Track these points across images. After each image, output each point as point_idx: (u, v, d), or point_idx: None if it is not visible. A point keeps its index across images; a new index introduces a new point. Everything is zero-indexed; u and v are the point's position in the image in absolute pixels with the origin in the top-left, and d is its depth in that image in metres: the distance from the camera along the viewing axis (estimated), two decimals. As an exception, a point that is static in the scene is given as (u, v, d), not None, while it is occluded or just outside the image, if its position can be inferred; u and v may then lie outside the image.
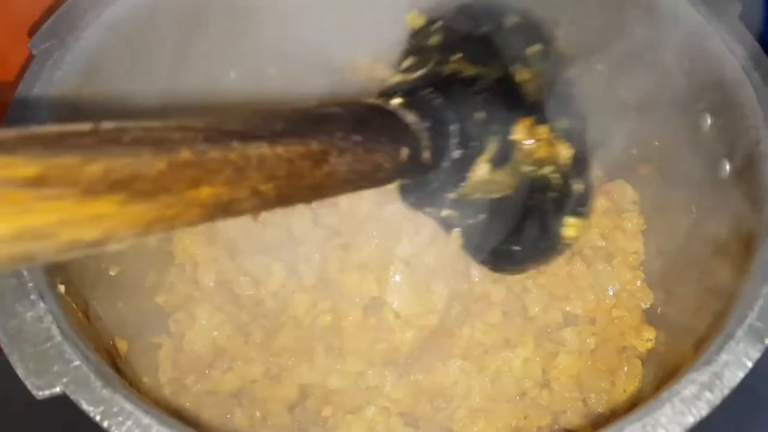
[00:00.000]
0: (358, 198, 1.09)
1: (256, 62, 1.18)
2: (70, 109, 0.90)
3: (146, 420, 0.65)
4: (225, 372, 1.05)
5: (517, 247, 0.87)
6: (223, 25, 1.08)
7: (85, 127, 0.46)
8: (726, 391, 0.64)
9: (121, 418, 0.64)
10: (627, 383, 1.05)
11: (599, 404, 1.04)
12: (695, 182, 0.95)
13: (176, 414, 0.97)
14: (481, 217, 0.83)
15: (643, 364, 1.06)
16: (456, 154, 0.74)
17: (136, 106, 1.01)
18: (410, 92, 0.73)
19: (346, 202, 1.11)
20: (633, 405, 1.02)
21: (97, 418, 0.64)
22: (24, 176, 0.39)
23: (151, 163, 0.45)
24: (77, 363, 0.67)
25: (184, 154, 0.47)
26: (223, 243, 1.15)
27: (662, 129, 1.03)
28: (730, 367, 0.65)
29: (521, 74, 0.81)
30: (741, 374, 0.65)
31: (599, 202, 1.13)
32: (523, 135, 0.79)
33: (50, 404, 0.67)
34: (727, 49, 0.87)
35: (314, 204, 0.64)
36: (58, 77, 0.89)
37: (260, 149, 0.51)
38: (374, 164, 0.62)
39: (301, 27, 1.17)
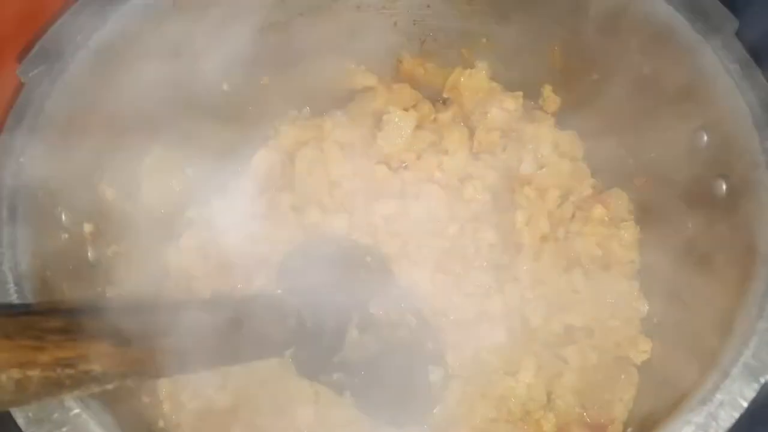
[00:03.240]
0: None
1: (247, 73, 1.17)
2: (62, 137, 0.89)
3: (146, 469, 0.65)
4: (219, 389, 1.06)
5: (396, 394, 1.05)
6: (212, 40, 1.06)
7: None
8: (721, 432, 0.65)
9: (121, 467, 0.65)
10: (623, 392, 1.06)
11: (601, 415, 1.05)
12: (692, 198, 0.95)
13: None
14: (364, 373, 1.03)
15: (639, 372, 1.07)
16: (330, 323, 1.00)
17: (126, 128, 1.00)
18: (291, 289, 1.05)
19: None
20: (631, 414, 1.06)
21: (98, 467, 0.65)
22: (56, 326, 0.62)
23: (130, 321, 0.70)
24: (77, 411, 0.68)
25: (148, 316, 0.75)
26: (217, 259, 1.16)
27: (659, 142, 1.02)
28: (725, 407, 0.66)
29: None
30: (736, 414, 0.65)
31: (596, 211, 1.13)
32: (376, 309, 1.05)
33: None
34: (723, 67, 0.86)
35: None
36: (49, 105, 0.88)
37: (196, 316, 0.79)
38: (273, 328, 0.92)
39: (292, 36, 1.16)
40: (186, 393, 1.08)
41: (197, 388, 1.09)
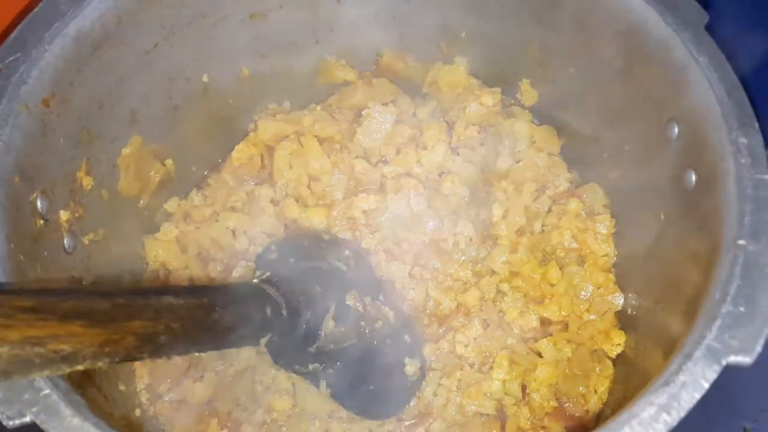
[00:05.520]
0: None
1: (228, 65, 1.17)
2: (38, 123, 0.89)
3: (115, 449, 0.66)
4: (197, 380, 1.06)
5: (372, 386, 1.06)
6: (193, 30, 1.07)
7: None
8: (683, 413, 0.66)
9: (90, 447, 0.65)
10: (598, 384, 1.07)
11: (575, 408, 1.06)
12: (664, 189, 0.96)
13: (152, 424, 1.01)
14: (340, 364, 1.04)
15: (614, 364, 1.08)
16: (307, 314, 1.00)
17: (104, 117, 1.00)
18: (269, 278, 1.02)
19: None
20: (605, 406, 1.06)
21: (68, 447, 0.65)
22: (26, 305, 0.62)
23: (101, 303, 0.69)
24: (47, 391, 0.68)
25: (120, 299, 0.72)
26: (195, 252, 1.16)
27: (632, 135, 1.03)
28: (687, 388, 0.67)
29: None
30: (698, 395, 0.66)
31: (572, 205, 1.15)
32: (353, 301, 1.06)
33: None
34: (693, 60, 0.87)
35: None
36: (25, 91, 0.88)
37: (169, 300, 0.77)
38: (248, 315, 0.91)
39: (272, 29, 1.17)
40: (164, 385, 1.09)
41: (175, 379, 1.09)
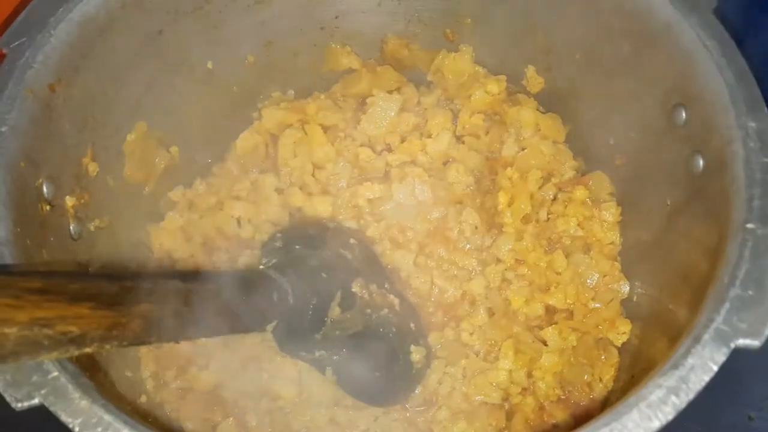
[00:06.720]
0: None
1: (233, 51, 1.17)
2: (43, 108, 0.89)
3: (125, 431, 0.65)
4: (203, 368, 1.06)
5: (377, 373, 1.05)
6: (198, 16, 1.07)
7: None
8: (692, 395, 0.65)
9: (99, 430, 0.65)
10: (603, 372, 1.07)
11: (581, 396, 1.06)
12: (670, 175, 0.96)
13: (158, 411, 1.01)
14: (346, 351, 1.04)
15: (619, 353, 1.08)
16: (313, 300, 1.01)
17: (109, 103, 1.00)
18: (275, 265, 1.04)
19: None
20: (610, 393, 1.06)
21: (76, 429, 0.65)
22: (35, 287, 0.62)
23: (110, 286, 0.70)
24: (55, 374, 0.68)
25: (128, 282, 0.73)
26: (200, 240, 1.16)
27: (639, 120, 1.03)
28: (696, 371, 0.67)
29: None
30: (706, 378, 0.66)
31: (578, 192, 1.14)
32: (359, 288, 1.06)
33: (29, 415, 0.68)
34: (701, 44, 0.87)
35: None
36: (31, 76, 0.88)
37: (177, 285, 0.79)
38: (255, 301, 0.92)
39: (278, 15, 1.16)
40: (170, 372, 1.09)
41: (181, 367, 1.09)
